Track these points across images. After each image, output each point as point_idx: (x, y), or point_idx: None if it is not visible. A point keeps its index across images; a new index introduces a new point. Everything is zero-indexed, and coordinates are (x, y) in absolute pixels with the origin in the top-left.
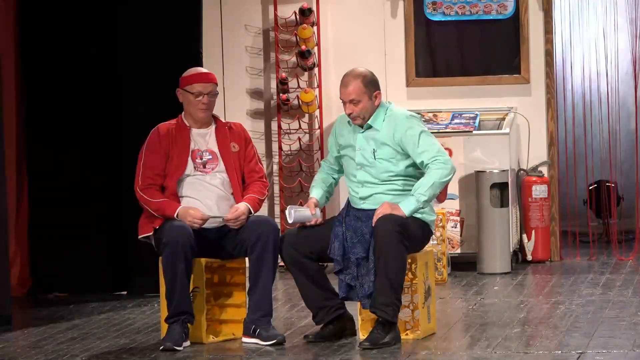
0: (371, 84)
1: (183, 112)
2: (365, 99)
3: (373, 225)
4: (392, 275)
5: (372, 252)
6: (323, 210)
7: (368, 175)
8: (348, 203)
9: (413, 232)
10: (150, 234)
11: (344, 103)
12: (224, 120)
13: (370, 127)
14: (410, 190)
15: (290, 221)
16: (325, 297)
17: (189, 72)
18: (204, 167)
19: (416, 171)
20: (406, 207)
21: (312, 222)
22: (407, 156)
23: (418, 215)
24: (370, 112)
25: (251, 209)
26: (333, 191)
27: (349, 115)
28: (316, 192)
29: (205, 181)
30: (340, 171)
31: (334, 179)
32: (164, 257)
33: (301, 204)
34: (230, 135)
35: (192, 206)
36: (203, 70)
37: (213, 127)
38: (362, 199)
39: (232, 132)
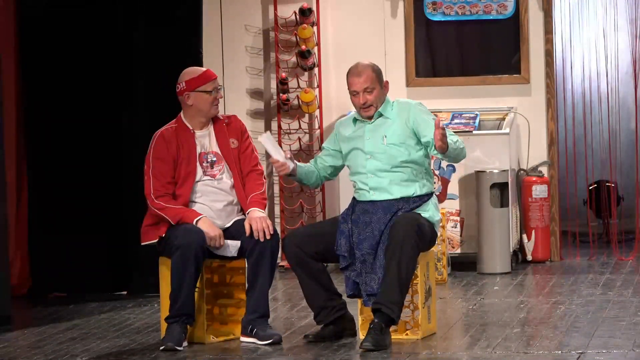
0: (380, 73)
1: (183, 115)
2: (378, 87)
3: (435, 132)
4: (403, 275)
5: (382, 250)
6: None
7: (378, 163)
8: (352, 202)
9: (425, 233)
10: (155, 241)
11: (357, 94)
12: (220, 116)
13: (380, 115)
14: (420, 178)
15: (260, 139)
16: (327, 298)
17: (193, 73)
18: (212, 168)
19: (425, 160)
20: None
21: (276, 160)
22: (417, 142)
23: (426, 215)
24: (382, 101)
25: (260, 210)
26: (309, 181)
27: (362, 104)
28: (299, 164)
29: (214, 186)
30: (330, 172)
31: (317, 171)
32: (174, 259)
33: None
34: (228, 132)
35: (211, 221)
36: (202, 68)
37: (212, 126)
38: (371, 189)
39: (229, 128)
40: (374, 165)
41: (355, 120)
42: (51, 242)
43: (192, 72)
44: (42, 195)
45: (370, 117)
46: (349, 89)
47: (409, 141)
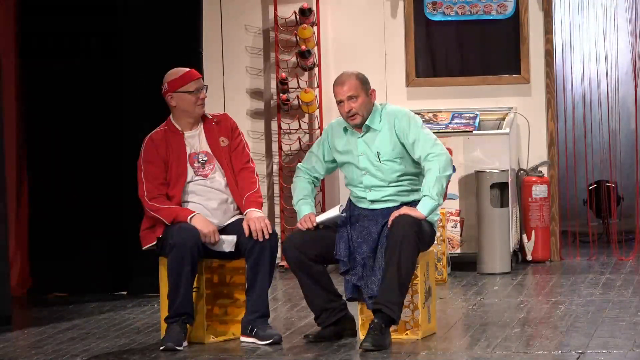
0: (365, 81)
1: (172, 117)
2: (363, 95)
3: (389, 225)
4: (403, 275)
5: (381, 251)
6: (323, 211)
7: (375, 179)
8: (350, 203)
9: (424, 233)
10: (154, 243)
11: (341, 102)
12: (209, 115)
13: (369, 128)
14: (418, 188)
15: (333, 209)
16: (328, 299)
17: (175, 74)
18: (203, 167)
19: (421, 169)
20: (423, 207)
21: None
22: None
23: None
24: (368, 110)
25: (257, 210)
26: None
27: (347, 113)
28: (309, 208)
29: (207, 185)
30: (322, 175)
31: (314, 185)
32: (170, 258)
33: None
34: (218, 131)
35: (206, 217)
36: (185, 68)
37: (201, 126)
38: (371, 201)
39: (219, 126)
40: (370, 182)
41: (345, 129)
42: (51, 242)
43: (174, 73)
44: (42, 195)
45: (357, 127)
46: (335, 99)
47: (403, 154)
